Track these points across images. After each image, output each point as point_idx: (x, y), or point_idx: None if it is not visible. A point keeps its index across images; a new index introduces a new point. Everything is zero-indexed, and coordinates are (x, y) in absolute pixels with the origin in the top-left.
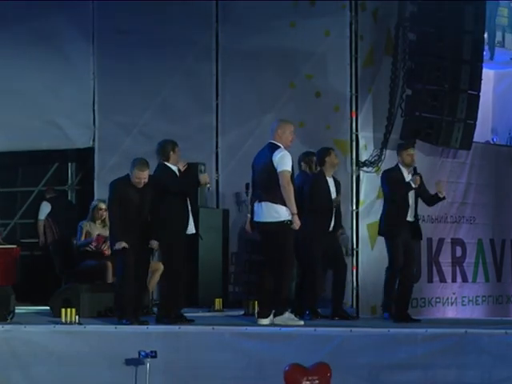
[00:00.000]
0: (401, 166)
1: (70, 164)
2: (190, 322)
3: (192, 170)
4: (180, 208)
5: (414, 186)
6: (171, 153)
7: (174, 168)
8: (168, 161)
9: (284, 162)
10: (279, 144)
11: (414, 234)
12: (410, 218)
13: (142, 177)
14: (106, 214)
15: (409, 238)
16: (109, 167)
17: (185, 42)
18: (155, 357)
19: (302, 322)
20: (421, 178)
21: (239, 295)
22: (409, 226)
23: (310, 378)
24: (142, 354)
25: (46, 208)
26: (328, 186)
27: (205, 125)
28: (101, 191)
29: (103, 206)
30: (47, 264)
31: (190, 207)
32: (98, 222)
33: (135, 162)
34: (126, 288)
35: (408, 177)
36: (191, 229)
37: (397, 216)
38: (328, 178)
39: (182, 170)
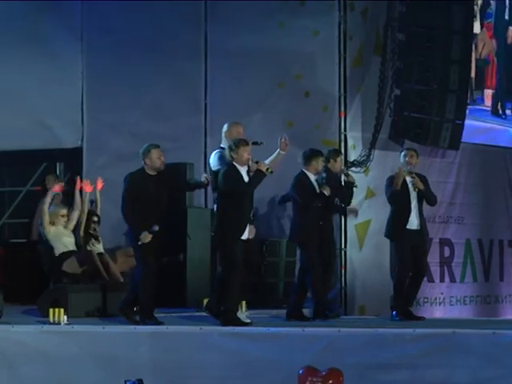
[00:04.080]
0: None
1: (58, 164)
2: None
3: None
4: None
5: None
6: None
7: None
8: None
9: None
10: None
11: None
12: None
13: (161, 154)
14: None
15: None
16: (97, 167)
17: (174, 42)
18: None
19: (248, 321)
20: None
21: None
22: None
23: (314, 379)
24: (129, 383)
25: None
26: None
27: (194, 125)
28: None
29: (64, 211)
30: (35, 264)
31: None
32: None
33: (145, 147)
34: (149, 288)
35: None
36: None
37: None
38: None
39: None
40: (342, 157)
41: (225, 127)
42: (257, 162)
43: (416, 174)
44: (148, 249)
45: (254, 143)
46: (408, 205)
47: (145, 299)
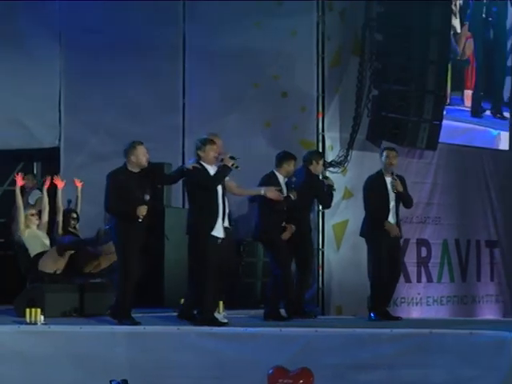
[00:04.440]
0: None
1: (35, 163)
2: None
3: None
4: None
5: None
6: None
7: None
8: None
9: None
10: None
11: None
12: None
13: (146, 151)
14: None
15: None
16: (75, 167)
17: (152, 42)
18: None
19: (226, 321)
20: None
21: None
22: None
23: (285, 381)
24: (114, 383)
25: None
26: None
27: (171, 125)
28: (67, 191)
29: (33, 211)
30: (12, 264)
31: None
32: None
33: (131, 143)
34: (128, 288)
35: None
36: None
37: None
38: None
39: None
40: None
41: None
42: (222, 160)
43: (396, 175)
44: (130, 248)
45: (231, 158)
46: (386, 206)
47: (122, 298)
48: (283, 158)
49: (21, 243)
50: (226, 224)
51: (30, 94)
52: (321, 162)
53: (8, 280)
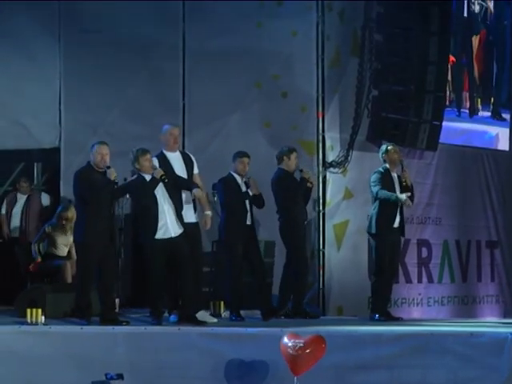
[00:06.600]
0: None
1: (36, 164)
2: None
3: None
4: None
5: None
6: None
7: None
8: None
9: None
10: None
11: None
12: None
13: (104, 152)
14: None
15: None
16: (75, 167)
17: (151, 42)
18: (122, 379)
19: (215, 320)
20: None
21: (207, 295)
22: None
23: (297, 340)
24: (109, 376)
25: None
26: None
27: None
28: (67, 191)
29: (69, 214)
30: (13, 264)
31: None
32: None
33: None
34: (86, 289)
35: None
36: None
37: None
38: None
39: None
40: (297, 154)
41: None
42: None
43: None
44: (89, 250)
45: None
46: (396, 203)
47: (80, 300)
48: (234, 156)
49: (23, 244)
50: (188, 219)
51: (29, 94)
52: (293, 156)
53: (9, 280)
